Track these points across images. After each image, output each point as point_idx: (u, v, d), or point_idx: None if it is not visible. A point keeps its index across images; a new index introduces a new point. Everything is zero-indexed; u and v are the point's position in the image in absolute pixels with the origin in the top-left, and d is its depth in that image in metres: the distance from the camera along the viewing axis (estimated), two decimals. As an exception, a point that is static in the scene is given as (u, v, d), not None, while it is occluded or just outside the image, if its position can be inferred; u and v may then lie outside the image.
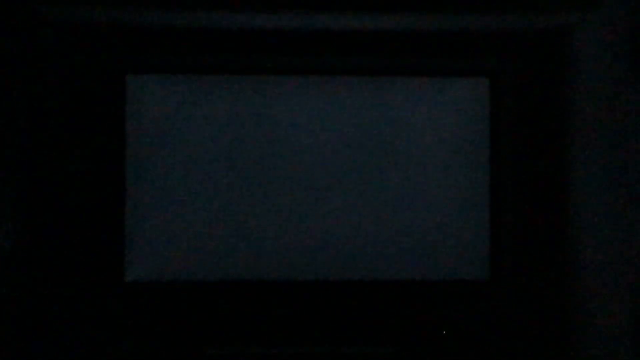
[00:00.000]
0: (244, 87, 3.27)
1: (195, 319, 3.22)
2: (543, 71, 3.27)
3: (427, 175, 3.28)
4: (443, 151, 3.29)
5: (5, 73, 2.76)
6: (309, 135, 3.27)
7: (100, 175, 3.21)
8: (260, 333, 3.23)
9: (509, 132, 3.28)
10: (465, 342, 3.26)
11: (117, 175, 3.22)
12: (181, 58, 3.24)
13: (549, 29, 3.14)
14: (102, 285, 3.20)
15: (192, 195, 3.24)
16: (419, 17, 2.93)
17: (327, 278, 3.27)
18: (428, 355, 3.25)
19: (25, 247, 2.89)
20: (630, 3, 2.55)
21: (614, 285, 2.68)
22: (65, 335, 3.14)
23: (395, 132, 3.29)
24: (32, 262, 2.95)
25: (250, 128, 3.26)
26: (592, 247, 2.88)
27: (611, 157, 2.71)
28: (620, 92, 2.63)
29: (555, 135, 3.23)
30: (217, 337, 3.22)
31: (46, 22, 3.00)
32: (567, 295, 3.14)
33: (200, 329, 3.22)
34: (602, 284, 2.79)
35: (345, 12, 2.84)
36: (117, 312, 3.20)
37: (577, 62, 3.04)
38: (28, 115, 2.90)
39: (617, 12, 2.67)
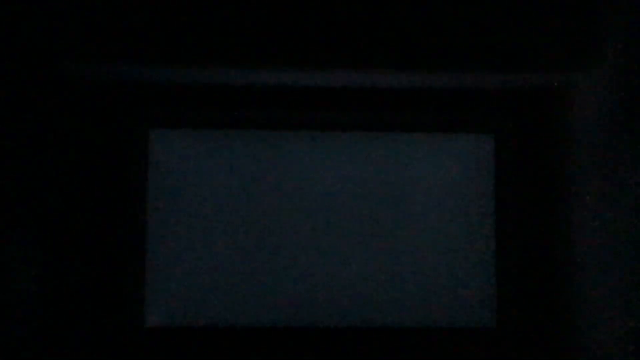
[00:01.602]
0: (261, 142, 3.41)
1: (211, 363, 3.29)
2: (544, 127, 3.38)
3: (434, 227, 3.39)
4: (450, 203, 3.40)
5: (29, 128, 2.88)
6: (320, 189, 3.40)
7: (123, 223, 3.32)
8: (274, 378, 3.29)
9: (514, 185, 3.38)
10: (473, 389, 3.31)
11: (139, 224, 3.33)
12: (202, 113, 3.38)
13: (550, 87, 3.25)
14: (123, 330, 3.28)
15: (210, 243, 3.36)
16: (426, 75, 3.05)
17: (339, 325, 3.35)
18: (437, 402, 3.29)
19: (50, 291, 2.97)
20: (628, 63, 2.67)
21: (621, 334, 2.74)
22: (86, 379, 3.20)
23: (403, 185, 3.41)
24: (56, 306, 3.03)
25: (266, 180, 3.40)
26: (596, 293, 2.95)
27: (611, 208, 2.80)
28: (617, 148, 2.73)
29: (558, 188, 3.33)
30: (232, 381, 3.28)
31: (68, 79, 3.13)
32: (573, 343, 3.20)
33: (216, 374, 3.29)
34: (608, 332, 2.85)
35: (357, 70, 2.98)
36: (137, 357, 3.27)
37: (576, 119, 3.15)
38: (54, 170, 3.02)
39: (615, 70, 2.78)
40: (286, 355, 3.31)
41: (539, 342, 3.31)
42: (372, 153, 3.42)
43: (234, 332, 3.32)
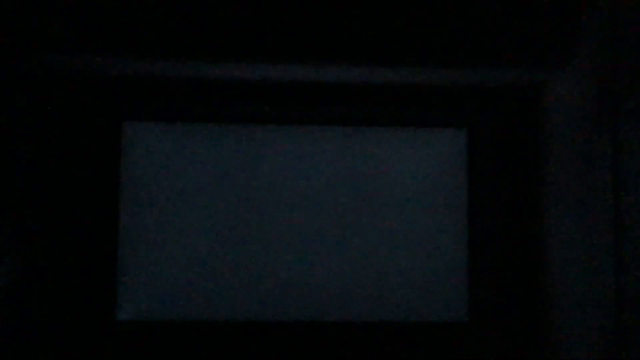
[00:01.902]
0: (235, 136, 3.42)
1: (187, 357, 3.29)
2: (518, 123, 3.43)
3: (407, 221, 3.42)
4: (423, 198, 3.43)
5: (5, 119, 2.86)
6: (296, 182, 3.42)
7: (95, 217, 3.31)
8: (246, 372, 3.31)
9: (486, 180, 3.42)
10: (445, 382, 3.34)
11: (111, 217, 3.32)
12: (177, 106, 3.38)
13: (523, 84, 3.29)
14: (94, 323, 3.27)
15: (184, 237, 3.36)
16: (399, 71, 3.08)
17: (311, 319, 3.37)
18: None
19: (21, 285, 2.96)
20: (600, 59, 2.71)
21: (588, 326, 2.79)
22: (57, 373, 3.19)
23: (376, 180, 3.43)
24: (27, 300, 3.02)
25: (241, 174, 3.40)
26: (567, 288, 2.99)
27: (582, 204, 2.84)
28: (590, 144, 2.78)
29: (530, 183, 3.38)
30: (205, 375, 3.29)
31: (41, 71, 3.11)
32: (546, 336, 3.25)
33: (188, 368, 3.29)
34: (580, 325, 2.90)
35: (331, 65, 2.99)
36: (108, 350, 3.26)
37: (549, 115, 3.20)
38: (26, 162, 3.01)
39: (587, 68, 2.82)
40: (260, 350, 3.32)
41: (511, 335, 3.35)
42: (345, 148, 3.44)
43: (207, 327, 3.32)
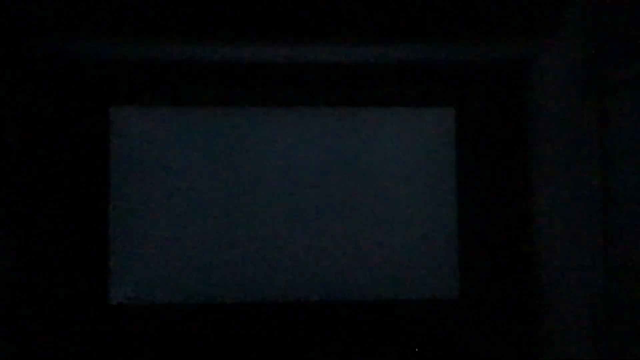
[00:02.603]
0: (224, 118, 3.42)
1: (179, 340, 3.30)
2: (505, 99, 3.45)
3: (397, 199, 3.44)
4: (412, 176, 3.45)
5: (-4, 104, 2.85)
6: (285, 163, 3.42)
7: (86, 201, 3.30)
8: (241, 352, 3.31)
9: (475, 157, 3.44)
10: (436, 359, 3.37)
11: (102, 201, 3.32)
12: (163, 90, 3.37)
13: (510, 59, 3.31)
14: (87, 307, 3.27)
15: (175, 220, 3.36)
16: (385, 49, 3.08)
17: (303, 299, 3.38)
18: (402, 372, 3.35)
19: (13, 270, 2.95)
20: (585, 33, 2.73)
21: (576, 300, 2.82)
22: (49, 357, 3.19)
23: (365, 159, 3.44)
24: (19, 283, 3.01)
25: (231, 157, 3.40)
26: (556, 264, 3.02)
27: (570, 179, 2.87)
28: (576, 118, 2.80)
29: (518, 160, 3.40)
30: (202, 358, 3.30)
31: (28, 57, 3.10)
32: (535, 313, 3.28)
33: (184, 350, 3.30)
34: (564, 300, 2.93)
35: (318, 46, 2.99)
36: (101, 334, 3.26)
37: (536, 90, 3.22)
38: (15, 145, 2.99)
39: (573, 42, 2.84)
40: (253, 331, 3.33)
41: (501, 312, 3.38)
42: (334, 128, 3.45)
43: (198, 309, 3.33)
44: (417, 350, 3.36)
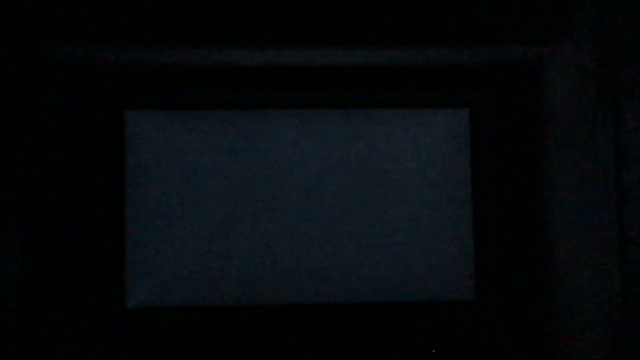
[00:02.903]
0: (237, 122, 3.42)
1: (195, 343, 3.31)
2: (519, 100, 3.43)
3: (412, 200, 3.43)
4: (427, 177, 3.44)
5: (8, 110, 2.86)
6: (300, 165, 3.42)
7: (102, 206, 3.32)
8: (256, 355, 3.32)
9: (490, 158, 3.43)
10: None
11: (118, 205, 3.34)
12: (178, 94, 3.38)
13: (524, 60, 3.29)
14: (104, 311, 3.29)
15: (190, 224, 3.37)
16: (400, 52, 3.07)
17: (319, 301, 3.39)
18: (418, 374, 3.34)
19: (30, 273, 2.98)
20: (598, 35, 2.70)
21: (592, 301, 2.80)
22: (68, 362, 3.22)
23: (380, 161, 3.44)
24: (36, 287, 3.04)
25: (244, 160, 3.41)
26: (572, 264, 3.00)
27: (585, 179, 2.85)
28: (590, 119, 2.78)
29: (533, 160, 3.38)
30: (215, 360, 3.32)
31: (44, 62, 3.12)
32: (551, 314, 3.27)
33: (201, 353, 3.31)
34: (581, 301, 2.91)
35: (333, 48, 2.99)
36: (118, 337, 3.28)
37: (550, 91, 3.20)
38: (31, 151, 3.02)
39: (587, 42, 2.82)
40: (269, 334, 3.34)
41: (516, 313, 3.36)
42: (348, 130, 3.45)
43: (215, 312, 3.34)
44: (433, 351, 3.36)
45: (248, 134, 3.42)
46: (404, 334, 3.36)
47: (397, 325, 3.37)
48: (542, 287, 3.33)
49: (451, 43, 2.97)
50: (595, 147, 2.75)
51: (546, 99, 3.26)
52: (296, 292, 3.39)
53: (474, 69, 3.41)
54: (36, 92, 3.06)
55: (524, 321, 3.36)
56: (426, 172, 3.44)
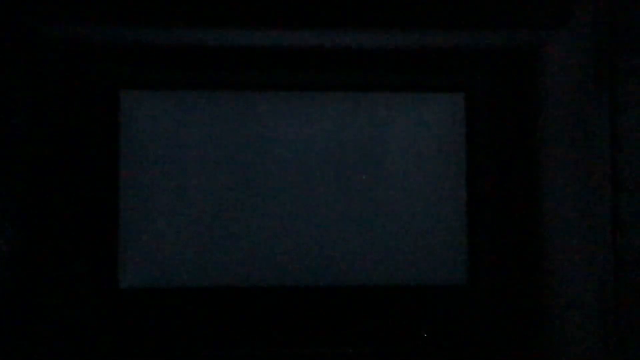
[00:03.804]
0: (233, 102, 3.41)
1: (189, 323, 3.32)
2: (515, 85, 3.43)
3: (406, 184, 3.43)
4: (421, 162, 3.44)
5: (1, 89, 2.85)
6: (294, 148, 3.42)
7: (95, 185, 3.31)
8: (251, 336, 3.33)
9: (485, 143, 3.43)
10: (444, 345, 3.37)
11: (111, 185, 3.33)
12: (175, 74, 3.37)
13: (521, 45, 3.29)
14: (97, 291, 3.29)
15: (184, 204, 3.37)
16: (395, 35, 3.07)
17: (313, 283, 3.39)
18: (407, 357, 3.36)
19: (23, 253, 2.98)
20: (596, 20, 2.70)
21: (585, 287, 2.82)
22: (60, 342, 3.22)
23: (374, 144, 3.44)
24: (29, 267, 3.03)
25: (240, 141, 3.40)
26: (565, 251, 3.02)
27: (580, 166, 2.86)
28: (586, 104, 2.78)
29: (528, 145, 3.39)
30: (211, 341, 3.32)
31: (38, 41, 3.10)
32: (544, 299, 3.28)
33: (194, 334, 3.32)
34: (572, 288, 2.93)
35: (328, 30, 2.98)
36: (111, 318, 3.29)
37: (547, 76, 3.20)
38: (25, 129, 3.00)
39: (584, 28, 2.82)
40: (262, 316, 3.35)
41: (509, 299, 3.38)
42: (344, 113, 3.44)
43: (208, 293, 3.34)
44: (425, 335, 3.37)
45: (244, 115, 3.41)
46: (396, 317, 3.37)
47: (390, 309, 3.38)
48: (535, 272, 3.34)
49: (447, 26, 2.96)
50: (591, 133, 2.75)
51: (543, 84, 3.26)
52: (290, 275, 3.39)
53: (470, 53, 3.40)
54: (29, 71, 3.04)
55: (517, 306, 3.37)
56: (421, 156, 3.44)
